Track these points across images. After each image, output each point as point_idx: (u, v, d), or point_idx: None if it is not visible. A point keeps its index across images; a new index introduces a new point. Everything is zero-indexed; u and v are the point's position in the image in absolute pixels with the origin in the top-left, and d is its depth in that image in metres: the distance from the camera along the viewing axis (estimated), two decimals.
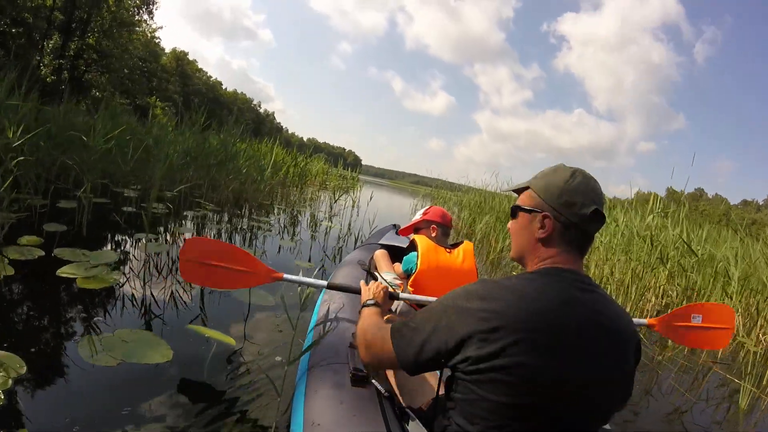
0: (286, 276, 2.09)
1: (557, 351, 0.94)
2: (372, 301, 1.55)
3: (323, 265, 4.86)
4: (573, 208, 1.08)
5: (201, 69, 79.96)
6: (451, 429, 1.04)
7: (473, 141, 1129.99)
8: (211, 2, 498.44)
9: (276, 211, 8.97)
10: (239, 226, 6.47)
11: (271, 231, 6.28)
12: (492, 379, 0.94)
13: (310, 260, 5.10)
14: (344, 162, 18.45)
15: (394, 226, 4.95)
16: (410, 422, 1.40)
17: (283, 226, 7.39)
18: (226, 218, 6.81)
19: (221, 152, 8.08)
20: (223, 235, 5.74)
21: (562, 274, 1.05)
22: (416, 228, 2.77)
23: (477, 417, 0.98)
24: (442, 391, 1.19)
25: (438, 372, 1.27)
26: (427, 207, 2.81)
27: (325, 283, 2.14)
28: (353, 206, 11.61)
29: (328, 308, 2.24)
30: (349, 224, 8.30)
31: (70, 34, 23.50)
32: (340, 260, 3.93)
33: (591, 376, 0.97)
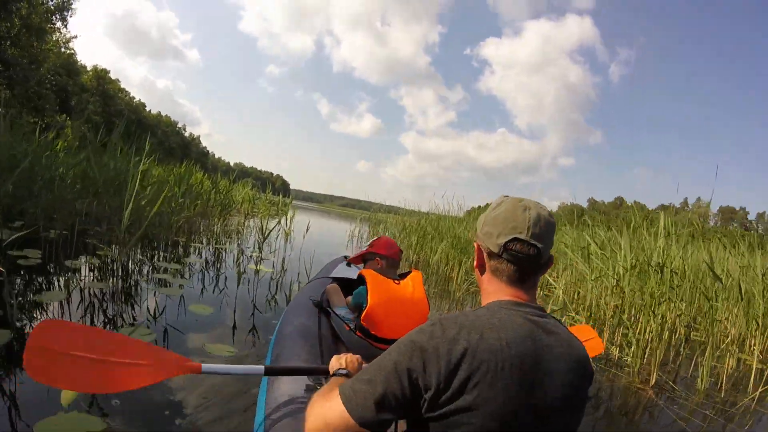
0: (205, 367, 1.51)
1: (518, 384, 0.92)
2: (344, 371, 1.32)
3: (254, 343, 3.47)
4: (491, 239, 1.08)
5: (123, 89, 75.95)
6: None
7: (400, 162, 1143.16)
8: (139, 21, 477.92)
9: (193, 250, 7.40)
10: (138, 282, 4.83)
11: (183, 287, 4.64)
12: (453, 419, 0.92)
13: (233, 336, 3.61)
14: (272, 187, 16.79)
15: (345, 257, 4.42)
16: None
17: (200, 272, 5.87)
18: (123, 267, 5.09)
19: (117, 177, 6.30)
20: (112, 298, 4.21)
21: (513, 308, 1.03)
22: (364, 258, 2.67)
23: None
24: (402, 428, 1.14)
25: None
26: (375, 238, 2.68)
27: (262, 368, 1.61)
28: (287, 239, 10.11)
29: (279, 352, 2.10)
30: (284, 263, 6.96)
31: None
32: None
33: (552, 404, 0.96)
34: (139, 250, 6.00)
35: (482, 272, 1.14)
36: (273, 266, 6.87)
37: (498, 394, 0.90)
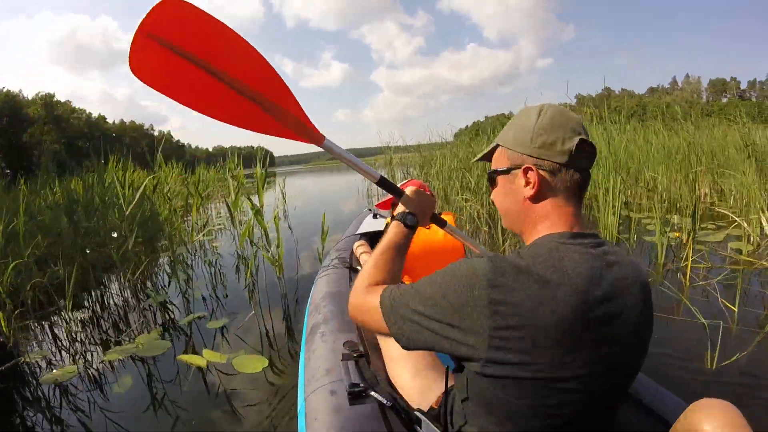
0: (327, 141, 1.23)
1: (584, 343, 0.75)
2: (411, 218, 1.18)
3: None
4: (554, 148, 0.86)
5: (76, 108, 71.18)
6: (465, 424, 0.91)
7: (377, 101, 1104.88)
8: (79, 37, 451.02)
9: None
10: None
11: None
12: (509, 380, 0.76)
13: None
14: (254, 159, 13.15)
15: (370, 210, 3.72)
16: (422, 425, 1.12)
17: None
18: None
19: None
20: None
21: (569, 243, 0.82)
22: (393, 203, 1.95)
23: (492, 412, 0.83)
24: (451, 383, 1.05)
25: (445, 366, 1.11)
26: (405, 181, 2.02)
27: (378, 175, 1.36)
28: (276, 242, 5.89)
29: (314, 321, 1.91)
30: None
31: None
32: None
33: (620, 357, 0.81)
34: None
35: (541, 199, 0.89)
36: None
37: (554, 357, 0.73)
